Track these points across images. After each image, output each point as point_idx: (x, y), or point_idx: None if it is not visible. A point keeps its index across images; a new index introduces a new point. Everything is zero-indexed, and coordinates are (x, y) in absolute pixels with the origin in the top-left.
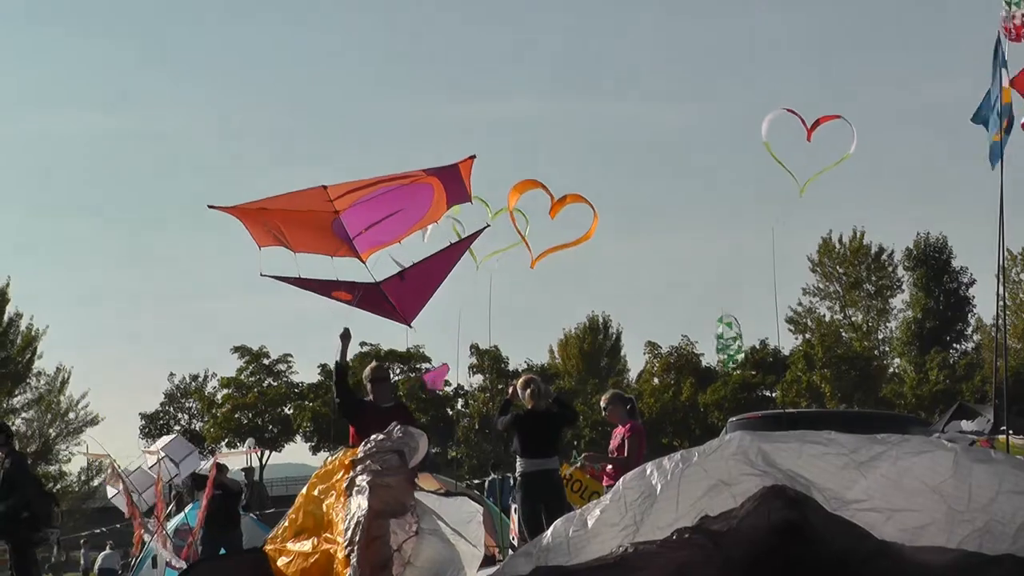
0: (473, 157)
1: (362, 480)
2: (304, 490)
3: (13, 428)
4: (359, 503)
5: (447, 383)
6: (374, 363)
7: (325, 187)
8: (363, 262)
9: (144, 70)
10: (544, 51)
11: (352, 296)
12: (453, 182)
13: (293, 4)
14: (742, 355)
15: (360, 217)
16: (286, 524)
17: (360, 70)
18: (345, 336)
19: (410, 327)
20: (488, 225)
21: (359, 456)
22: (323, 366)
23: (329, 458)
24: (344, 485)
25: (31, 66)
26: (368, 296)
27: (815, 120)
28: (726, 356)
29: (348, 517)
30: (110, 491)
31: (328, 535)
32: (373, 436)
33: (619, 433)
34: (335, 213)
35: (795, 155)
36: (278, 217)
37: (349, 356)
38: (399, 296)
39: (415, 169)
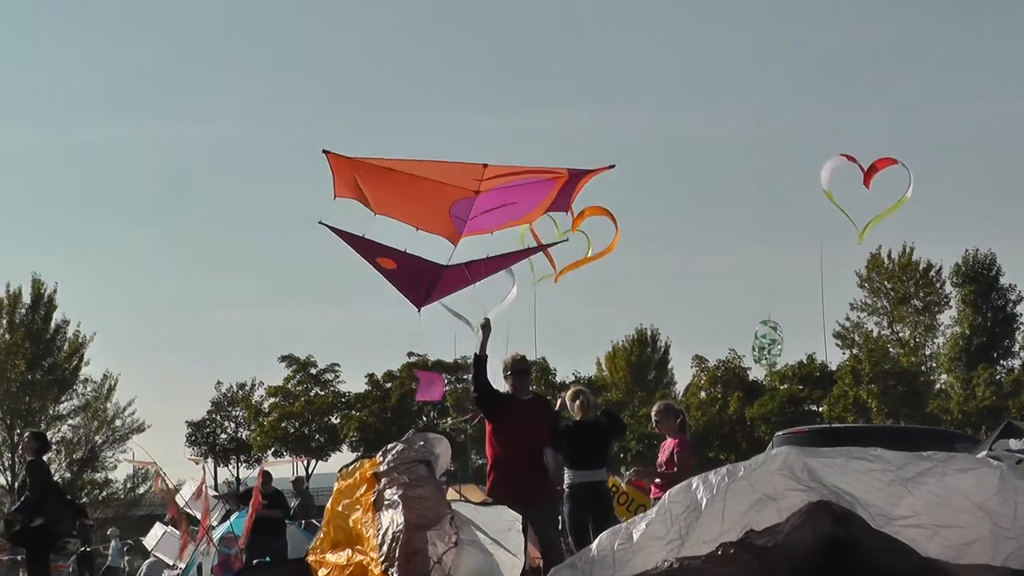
0: (611, 167)
1: (392, 494)
2: (328, 504)
3: (59, 435)
4: (392, 517)
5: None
6: (515, 354)
7: (486, 165)
8: (454, 244)
9: (204, 79)
10: (594, 60)
11: (396, 264)
12: (568, 189)
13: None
14: (778, 359)
15: (490, 200)
16: (322, 536)
17: (412, 79)
18: (486, 327)
19: (418, 312)
20: (567, 239)
21: (381, 469)
22: (370, 375)
23: (346, 469)
24: (372, 499)
25: (85, 75)
26: (411, 270)
27: (872, 164)
28: (761, 356)
29: (381, 532)
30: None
31: (360, 547)
32: (390, 446)
33: (668, 446)
34: (475, 193)
35: (852, 197)
36: (398, 179)
37: (396, 366)
38: (446, 281)
39: (562, 167)
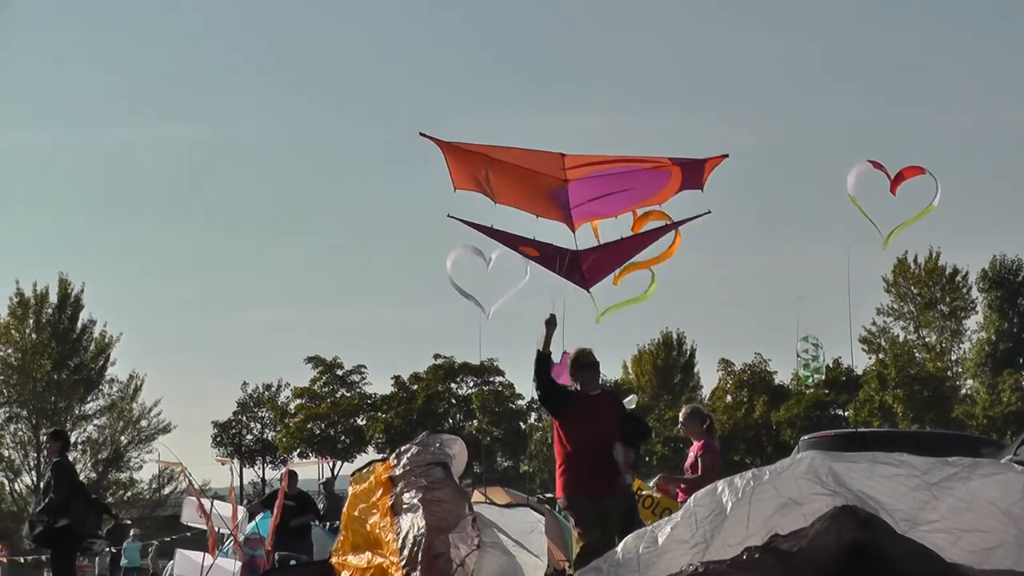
0: (725, 156)
1: (410, 497)
2: (345, 509)
3: (85, 435)
4: (412, 521)
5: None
6: (581, 348)
7: (563, 155)
8: (572, 231)
9: (228, 79)
10: (619, 62)
11: (540, 253)
12: (694, 172)
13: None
14: (822, 375)
15: (587, 189)
16: (342, 538)
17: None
18: (550, 323)
19: (588, 292)
20: (709, 211)
21: (397, 473)
22: (396, 377)
23: (359, 473)
24: (389, 503)
25: (112, 76)
26: (557, 258)
27: (899, 172)
28: (808, 373)
29: (401, 536)
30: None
31: (379, 551)
32: (404, 449)
33: (694, 450)
34: (564, 181)
35: (878, 204)
36: (500, 167)
37: (422, 368)
38: (592, 264)
39: (663, 156)
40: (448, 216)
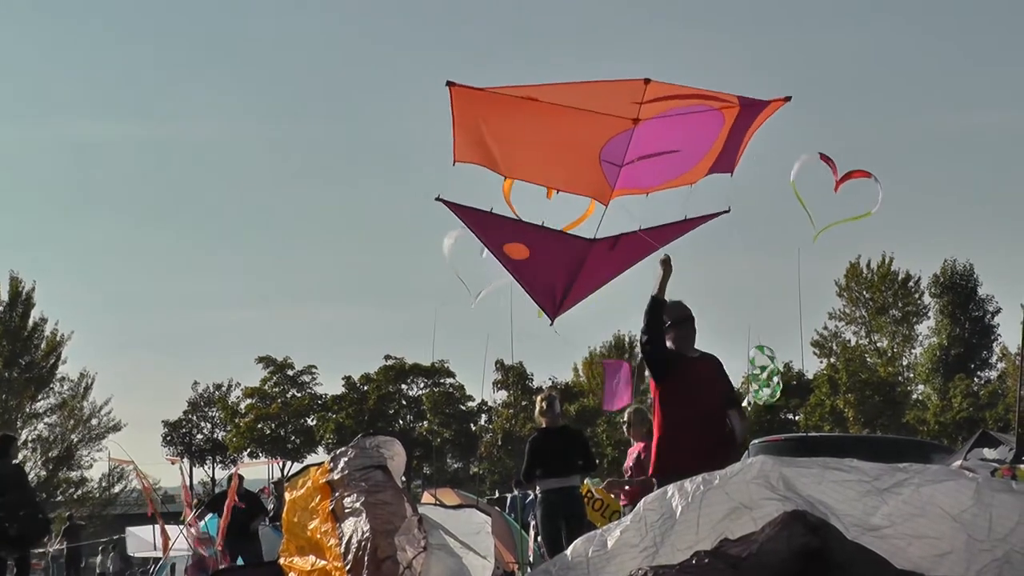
0: (788, 98)
1: (351, 502)
2: (283, 515)
3: (35, 433)
4: (355, 525)
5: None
6: (676, 301)
7: (647, 82)
8: (604, 204)
9: (178, 77)
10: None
11: (529, 252)
12: (737, 133)
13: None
14: (779, 389)
15: (650, 138)
16: (286, 541)
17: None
18: (666, 263)
19: (551, 324)
20: (728, 209)
21: (335, 477)
22: (347, 378)
23: (294, 478)
24: (330, 508)
25: (65, 73)
26: (547, 257)
27: (846, 173)
28: (761, 388)
29: (344, 540)
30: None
31: (321, 556)
32: (340, 452)
33: (634, 451)
34: (634, 121)
35: (819, 198)
36: (539, 117)
37: (373, 369)
38: (589, 271)
39: (732, 94)
40: (436, 199)
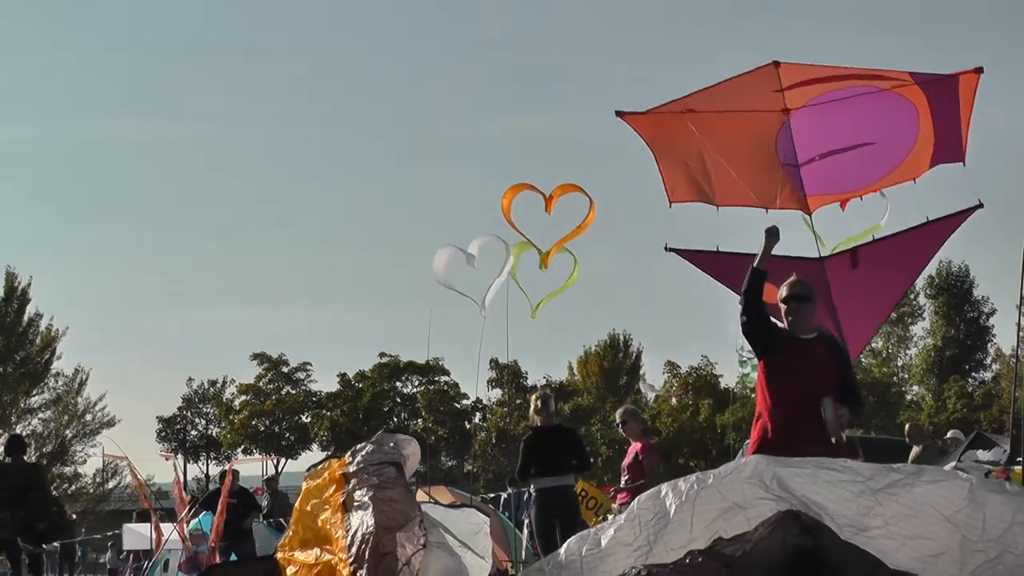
0: (980, 69)
1: (361, 495)
2: (297, 504)
3: (30, 428)
4: (362, 518)
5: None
6: (796, 279)
7: (777, 65)
8: (808, 215)
9: (178, 77)
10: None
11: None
12: (946, 114)
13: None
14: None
15: (815, 128)
16: (290, 534)
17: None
18: (771, 232)
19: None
20: (981, 203)
21: (350, 470)
22: (342, 375)
23: (314, 468)
24: (341, 500)
25: (61, 72)
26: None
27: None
28: (747, 371)
29: (350, 533)
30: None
31: (328, 547)
32: (359, 447)
33: (633, 451)
34: (785, 112)
35: (825, 216)
36: (709, 126)
37: (367, 366)
38: (842, 294)
39: (900, 70)
40: (666, 249)
